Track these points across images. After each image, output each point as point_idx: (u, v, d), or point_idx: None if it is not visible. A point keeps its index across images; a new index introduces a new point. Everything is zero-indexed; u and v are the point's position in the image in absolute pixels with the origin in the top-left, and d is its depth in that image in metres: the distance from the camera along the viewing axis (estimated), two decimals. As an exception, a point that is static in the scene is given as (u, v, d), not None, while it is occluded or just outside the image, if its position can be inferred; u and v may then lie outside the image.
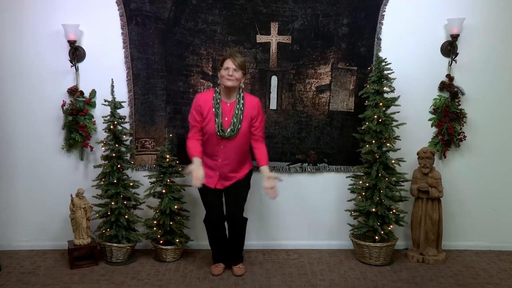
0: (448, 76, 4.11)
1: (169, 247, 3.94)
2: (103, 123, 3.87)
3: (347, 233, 4.17)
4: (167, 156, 3.90)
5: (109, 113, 3.83)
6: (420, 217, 4.04)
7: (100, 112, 4.00)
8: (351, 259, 4.09)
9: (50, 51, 3.97)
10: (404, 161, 3.98)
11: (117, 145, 3.85)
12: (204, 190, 3.65)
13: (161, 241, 3.95)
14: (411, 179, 4.07)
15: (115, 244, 3.85)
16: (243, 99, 3.56)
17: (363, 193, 3.96)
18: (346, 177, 4.15)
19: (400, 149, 3.97)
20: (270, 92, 4.12)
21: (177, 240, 3.92)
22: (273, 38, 4.05)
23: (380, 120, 3.85)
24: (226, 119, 3.53)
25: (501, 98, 4.18)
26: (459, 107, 4.13)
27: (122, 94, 4.01)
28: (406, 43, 4.08)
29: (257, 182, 3.88)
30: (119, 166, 3.85)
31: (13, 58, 3.98)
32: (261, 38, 4.05)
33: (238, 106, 3.54)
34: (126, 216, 3.85)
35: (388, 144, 3.90)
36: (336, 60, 4.09)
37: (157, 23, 3.98)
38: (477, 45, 4.09)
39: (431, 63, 4.11)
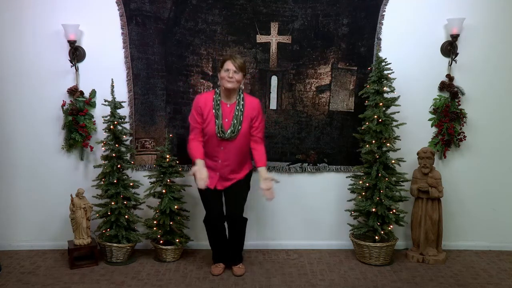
0: (448, 76, 4.11)
1: (169, 247, 3.94)
2: (103, 123, 3.87)
3: (347, 233, 4.17)
4: (167, 156, 3.90)
5: (109, 113, 3.83)
6: (420, 217, 4.04)
7: (100, 112, 4.00)
8: (351, 259, 4.09)
9: (50, 51, 3.97)
10: (404, 161, 3.98)
11: (117, 145, 3.85)
12: (204, 190, 3.65)
13: (161, 241, 3.95)
14: (411, 179, 4.07)
15: (115, 244, 3.85)
16: (243, 100, 3.56)
17: (363, 193, 3.96)
18: (346, 177, 4.15)
19: (400, 149, 3.97)
20: (270, 92, 4.12)
21: (177, 240, 3.92)
22: (273, 38, 4.06)
23: (380, 120, 3.85)
24: (226, 120, 3.53)
25: (501, 98, 4.18)
26: (459, 107, 4.13)
27: (122, 94, 4.01)
28: (406, 43, 4.08)
29: (257, 182, 3.86)
30: (119, 166, 3.85)
31: (13, 58, 3.98)
32: (261, 38, 4.05)
33: (238, 107, 3.54)
34: (126, 216, 3.85)
35: (388, 144, 3.90)
36: (336, 60, 4.09)
37: (157, 23, 3.98)
38: (477, 45, 4.09)
39: (431, 63, 4.11)
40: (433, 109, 4.18)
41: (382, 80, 3.86)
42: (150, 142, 4.13)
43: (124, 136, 3.90)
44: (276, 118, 4.15)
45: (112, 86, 3.84)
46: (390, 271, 3.87)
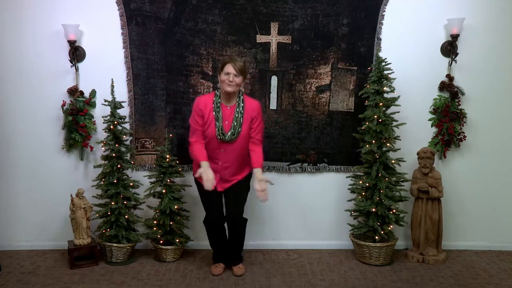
0: (448, 76, 4.11)
1: (169, 247, 3.94)
2: (103, 123, 3.87)
3: (347, 233, 4.17)
4: (167, 156, 3.90)
5: (109, 113, 3.83)
6: (420, 217, 4.04)
7: (100, 112, 4.00)
8: (351, 259, 4.09)
9: (50, 51, 3.97)
10: (404, 161, 3.98)
11: (117, 145, 3.85)
12: (204, 191, 3.65)
13: (161, 241, 3.95)
14: (411, 179, 4.07)
15: (115, 244, 3.85)
16: (243, 102, 3.56)
17: (363, 193, 3.96)
18: (346, 177, 4.15)
19: (400, 149, 3.97)
20: (270, 92, 4.12)
21: (177, 240, 3.92)
22: (273, 38, 4.06)
23: (380, 120, 3.85)
24: (227, 122, 3.53)
25: (501, 98, 4.18)
26: (459, 107, 4.13)
27: (122, 94, 4.01)
28: (406, 43, 4.08)
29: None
30: (119, 166, 3.85)
31: (13, 58, 3.98)
32: (261, 38, 4.05)
33: (238, 110, 3.54)
34: (126, 216, 3.85)
35: (388, 144, 3.90)
36: (336, 60, 4.09)
37: (157, 23, 3.98)
38: (477, 45, 4.09)
39: (431, 63, 4.11)
40: (433, 109, 4.18)
41: (382, 80, 3.86)
42: (150, 142, 4.13)
43: (124, 136, 3.90)
44: (276, 118, 4.15)
45: (112, 86, 3.84)
46: (390, 271, 3.87)
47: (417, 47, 4.09)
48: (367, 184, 3.92)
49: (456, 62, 4.08)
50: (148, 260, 4.01)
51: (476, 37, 4.07)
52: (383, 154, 3.88)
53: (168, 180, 3.91)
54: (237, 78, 3.45)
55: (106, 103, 3.83)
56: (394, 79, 3.89)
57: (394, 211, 3.91)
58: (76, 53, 3.95)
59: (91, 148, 4.05)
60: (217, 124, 3.50)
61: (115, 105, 3.83)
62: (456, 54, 4.06)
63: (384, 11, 4.04)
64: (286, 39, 4.06)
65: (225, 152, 3.56)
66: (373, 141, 3.87)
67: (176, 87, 4.07)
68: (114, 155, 3.84)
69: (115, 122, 3.81)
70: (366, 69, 4.07)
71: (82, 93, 4.01)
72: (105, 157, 3.90)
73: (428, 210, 4.02)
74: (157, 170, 3.96)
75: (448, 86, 4.10)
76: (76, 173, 4.13)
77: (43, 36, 3.95)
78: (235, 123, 3.52)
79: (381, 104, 3.84)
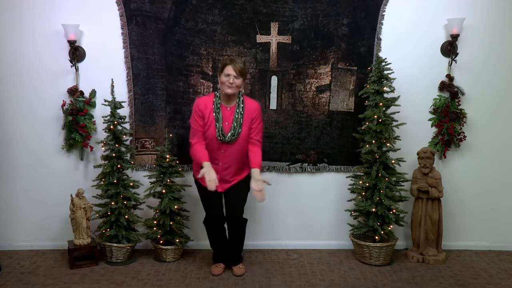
0: (448, 76, 4.11)
1: (169, 247, 3.94)
2: (103, 123, 3.87)
3: (347, 233, 4.17)
4: (167, 156, 3.90)
5: (109, 113, 3.83)
6: (420, 217, 4.04)
7: (100, 112, 4.00)
8: (351, 259, 4.09)
9: (50, 51, 3.97)
10: (404, 161, 3.98)
11: (117, 145, 3.85)
12: (204, 192, 3.65)
13: (161, 241, 3.95)
14: (411, 179, 4.07)
15: (115, 244, 3.85)
16: (243, 103, 3.56)
17: (363, 193, 3.96)
18: (346, 177, 4.15)
19: (400, 149, 3.97)
20: (270, 92, 4.12)
21: (177, 240, 3.92)
22: (273, 38, 4.05)
23: (380, 120, 3.85)
24: (227, 123, 3.52)
25: (501, 98, 4.18)
26: (459, 107, 4.13)
27: (122, 94, 4.01)
28: (406, 43, 4.08)
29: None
30: (119, 166, 3.85)
31: (13, 58, 3.98)
32: (261, 38, 4.05)
33: (238, 110, 3.54)
34: (126, 216, 3.85)
35: (388, 144, 3.90)
36: (336, 60, 4.09)
37: (157, 23, 3.98)
38: (477, 45, 4.09)
39: (431, 63, 4.11)
40: (433, 109, 4.18)
41: (382, 80, 3.86)
42: (150, 142, 4.13)
43: (124, 136, 3.90)
44: (276, 118, 4.15)
45: (112, 86, 3.84)
46: (390, 271, 3.87)
47: (417, 47, 4.09)
48: (367, 184, 3.92)
49: (456, 62, 4.08)
50: (148, 260, 4.01)
51: (476, 37, 4.07)
52: (383, 154, 3.88)
53: (168, 180, 3.91)
54: (237, 80, 3.45)
55: (106, 103, 3.83)
56: (394, 79, 3.89)
57: (394, 211, 3.91)
58: (76, 53, 3.95)
59: (91, 148, 4.05)
60: (217, 125, 3.50)
61: (115, 105, 3.83)
62: (456, 54, 4.06)
63: (384, 11, 4.04)
64: (286, 39, 4.06)
65: (225, 153, 3.55)
66: (373, 141, 3.87)
67: (176, 87, 4.07)
68: (114, 155, 3.84)
69: (115, 122, 3.81)
70: (366, 69, 4.07)
71: (82, 93, 4.01)
72: (105, 157, 3.90)
73: (428, 210, 4.02)
74: (157, 170, 3.96)
75: (448, 86, 4.10)
76: (76, 173, 4.13)
77: (43, 36, 3.95)
78: (235, 124, 3.52)
79: (381, 104, 3.84)
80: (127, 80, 4.04)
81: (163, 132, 4.09)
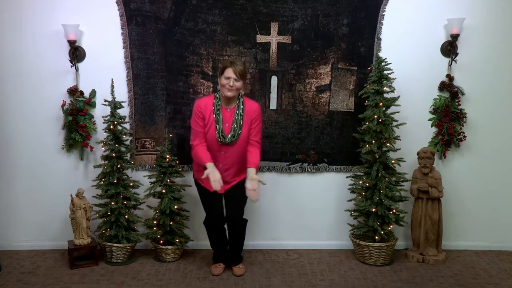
0: (448, 76, 4.11)
1: (169, 247, 3.94)
2: (103, 123, 3.87)
3: (347, 233, 4.17)
4: (167, 156, 3.90)
5: (109, 113, 3.83)
6: (420, 217, 4.04)
7: (100, 112, 4.00)
8: (351, 259, 4.09)
9: (50, 51, 3.97)
10: (404, 161, 3.98)
11: (117, 145, 3.85)
12: (204, 192, 3.66)
13: (161, 241, 3.95)
14: (411, 179, 4.07)
15: (115, 244, 3.85)
16: (242, 104, 3.55)
17: (363, 193, 3.96)
18: (346, 177, 4.15)
19: (400, 149, 3.97)
20: (270, 92, 4.12)
21: (177, 240, 3.92)
22: (273, 38, 4.06)
23: (380, 120, 3.85)
24: (227, 125, 3.52)
25: (501, 98, 4.18)
26: (459, 107, 4.13)
27: (122, 94, 4.01)
28: (406, 43, 4.08)
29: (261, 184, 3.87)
30: (119, 166, 3.85)
31: (13, 58, 3.98)
32: (261, 38, 4.05)
33: (238, 112, 3.53)
34: (126, 216, 3.85)
35: (388, 144, 3.90)
36: (336, 60, 4.09)
37: (157, 23, 3.98)
38: (477, 45, 4.09)
39: (431, 63, 4.11)
40: (433, 109, 4.18)
41: (382, 80, 3.86)
42: (150, 142, 4.13)
43: (124, 136, 3.90)
44: (276, 118, 4.15)
45: (112, 86, 3.84)
46: (390, 271, 3.87)
47: (417, 47, 4.09)
48: (367, 184, 3.92)
49: (456, 62, 4.08)
50: (148, 260, 4.01)
51: (476, 37, 4.07)
52: (383, 154, 3.88)
53: (168, 180, 3.91)
54: (237, 83, 3.44)
55: (106, 103, 3.83)
56: (394, 79, 3.89)
57: (394, 211, 3.91)
58: (76, 53, 3.95)
59: (91, 148, 4.05)
60: (217, 126, 3.49)
61: (115, 105, 3.83)
62: (456, 54, 4.06)
63: (384, 11, 4.04)
64: (286, 39, 4.06)
65: (225, 154, 3.55)
66: (373, 141, 3.87)
67: (176, 87, 4.07)
68: (114, 155, 3.84)
69: (115, 122, 3.81)
70: (366, 69, 4.07)
71: (82, 93, 4.01)
72: (105, 157, 3.90)
73: (428, 210, 4.02)
74: (157, 170, 3.96)
75: (448, 86, 4.10)
76: (76, 173, 4.13)
77: (43, 36, 3.95)
78: (235, 125, 3.51)
79: (381, 104, 3.84)
80: (127, 80, 4.04)
81: (163, 132, 4.09)
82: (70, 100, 4.00)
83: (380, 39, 4.07)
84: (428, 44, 4.09)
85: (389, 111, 3.94)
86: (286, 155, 4.20)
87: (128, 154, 4.03)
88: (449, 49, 4.07)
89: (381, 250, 3.90)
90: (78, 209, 3.80)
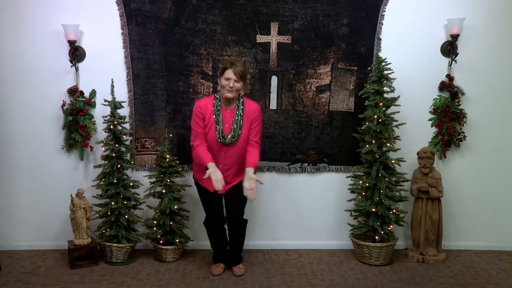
0: (448, 76, 4.11)
1: (169, 247, 3.94)
2: (103, 123, 3.87)
3: (347, 233, 4.17)
4: (167, 156, 3.90)
5: (109, 113, 3.83)
6: (420, 217, 4.04)
7: (100, 112, 4.00)
8: (351, 259, 4.09)
9: (50, 51, 3.97)
10: (404, 161, 3.98)
11: (117, 145, 3.85)
12: (204, 193, 3.66)
13: (161, 241, 3.95)
14: (411, 179, 4.07)
15: (115, 244, 3.85)
16: (242, 105, 3.55)
17: (363, 193, 3.96)
18: (346, 177, 4.15)
19: (400, 149, 3.97)
20: (270, 92, 4.12)
21: (177, 240, 3.92)
22: (273, 38, 4.05)
23: (380, 120, 3.85)
24: (227, 125, 3.52)
25: (501, 98, 4.18)
26: (459, 107, 4.13)
27: (122, 94, 4.01)
28: (406, 43, 4.08)
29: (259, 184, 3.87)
30: (119, 166, 3.85)
31: (13, 58, 3.98)
32: (261, 38, 4.05)
33: (238, 112, 3.53)
34: (126, 216, 3.85)
35: (388, 144, 3.90)
36: (336, 60, 4.09)
37: (157, 23, 3.98)
38: (477, 45, 4.09)
39: (431, 63, 4.11)
40: (433, 109, 4.18)
41: (382, 80, 3.86)
42: (150, 142, 4.13)
43: (124, 136, 3.90)
44: (276, 118, 4.15)
45: (112, 86, 3.84)
46: (390, 271, 3.87)
47: (417, 47, 4.09)
48: (367, 184, 3.92)
49: (456, 62, 4.08)
50: (148, 260, 4.01)
51: (476, 37, 4.07)
52: (383, 154, 3.88)
53: (168, 180, 3.91)
54: (237, 84, 3.44)
55: (106, 103, 3.83)
56: (394, 79, 3.89)
57: (394, 211, 3.91)
58: (76, 53, 3.95)
59: (91, 148, 4.05)
60: (217, 127, 3.49)
61: (115, 105, 3.83)
62: (456, 54, 4.06)
63: (384, 11, 4.04)
64: (286, 39, 4.06)
65: (225, 155, 3.55)
66: (373, 141, 3.87)
67: (176, 87, 4.07)
68: (114, 155, 3.84)
69: (115, 122, 3.81)
70: (366, 69, 4.07)
71: (82, 93, 4.01)
72: (105, 157, 3.90)
73: (428, 210, 4.02)
74: (157, 170, 3.96)
75: (448, 86, 4.10)
76: (76, 173, 4.13)
77: (43, 36, 3.95)
78: (235, 126, 3.51)
79: (381, 104, 3.84)
80: (127, 80, 4.04)
81: (163, 132, 4.09)
82: (70, 100, 4.00)
83: (380, 39, 4.07)
84: (428, 44, 4.09)
85: (389, 111, 3.94)
86: (286, 155, 4.20)
87: (128, 154, 4.03)
88: (449, 49, 4.07)
89: (381, 250, 3.91)
90: (78, 209, 3.80)
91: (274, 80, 4.11)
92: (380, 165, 3.87)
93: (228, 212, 3.68)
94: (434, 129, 4.21)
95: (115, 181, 3.84)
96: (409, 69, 4.07)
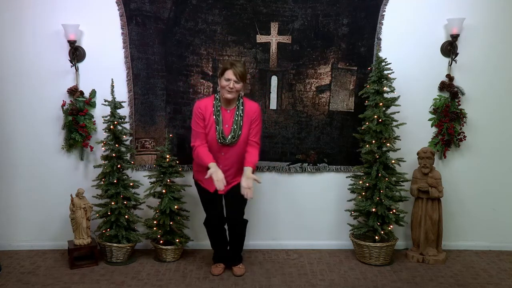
0: (448, 76, 4.11)
1: (169, 247, 3.94)
2: (103, 123, 3.87)
3: (347, 233, 4.17)
4: (167, 156, 3.90)
5: (109, 113, 3.83)
6: (420, 217, 4.04)
7: (100, 112, 4.00)
8: (351, 259, 4.09)
9: (50, 51, 3.97)
10: (404, 161, 3.98)
11: (117, 145, 3.85)
12: (204, 193, 3.65)
13: (161, 241, 3.95)
14: (411, 179, 4.07)
15: (115, 244, 3.85)
16: (242, 105, 3.55)
17: (363, 193, 3.96)
18: (346, 177, 4.15)
19: (400, 149, 3.97)
20: (270, 92, 4.12)
21: (177, 240, 3.92)
22: (273, 38, 4.05)
23: (380, 120, 3.85)
24: (227, 126, 3.52)
25: (501, 98, 4.18)
26: (459, 107, 4.13)
27: (122, 94, 4.01)
28: (406, 43, 4.08)
29: (258, 185, 3.86)
30: (119, 166, 3.85)
31: (13, 58, 3.98)
32: (261, 38, 4.05)
33: (238, 113, 3.53)
34: (126, 216, 3.85)
35: (388, 144, 3.90)
36: (336, 60, 4.09)
37: (157, 23, 3.98)
38: (477, 45, 4.09)
39: (431, 63, 4.11)
40: (433, 109, 4.18)
41: (382, 80, 3.86)
42: (150, 142, 4.13)
43: (124, 136, 3.90)
44: (276, 118, 4.15)
45: (112, 86, 3.84)
46: (390, 271, 3.87)
47: (417, 47, 4.09)
48: (367, 184, 3.92)
49: (456, 62, 4.08)
50: (148, 260, 4.01)
51: (476, 37, 4.07)
52: (383, 154, 3.88)
53: (168, 180, 3.91)
54: (237, 85, 3.44)
55: (106, 103, 3.83)
56: (394, 79, 3.89)
57: (394, 211, 3.91)
58: (76, 53, 3.95)
59: (91, 148, 4.05)
60: (217, 128, 3.49)
61: (115, 105, 3.83)
62: (456, 54, 4.06)
63: (384, 11, 4.04)
64: (286, 39, 4.06)
65: (225, 155, 3.55)
66: (373, 141, 3.87)
67: (176, 87, 4.07)
68: (114, 155, 3.84)
69: (115, 122, 3.81)
70: (366, 69, 4.07)
71: (82, 93, 4.01)
72: (105, 157, 3.90)
73: (428, 210, 4.02)
74: (157, 170, 3.96)
75: (448, 86, 4.10)
76: (76, 173, 4.13)
77: (43, 36, 3.95)
78: (235, 126, 3.51)
79: (381, 104, 3.84)
80: (127, 80, 4.04)
81: (163, 132, 4.09)
82: (70, 100, 4.00)
83: (380, 39, 4.07)
84: (428, 44, 4.09)
85: (389, 111, 3.94)
86: (286, 155, 4.20)
87: (128, 154, 4.03)
88: (449, 49, 4.07)
89: (381, 250, 3.91)
90: (78, 209, 3.80)
91: (274, 80, 4.11)
92: (380, 165, 3.87)
93: (228, 212, 3.68)
94: (434, 129, 4.21)
95: (115, 181, 3.84)
96: (409, 69, 4.07)
